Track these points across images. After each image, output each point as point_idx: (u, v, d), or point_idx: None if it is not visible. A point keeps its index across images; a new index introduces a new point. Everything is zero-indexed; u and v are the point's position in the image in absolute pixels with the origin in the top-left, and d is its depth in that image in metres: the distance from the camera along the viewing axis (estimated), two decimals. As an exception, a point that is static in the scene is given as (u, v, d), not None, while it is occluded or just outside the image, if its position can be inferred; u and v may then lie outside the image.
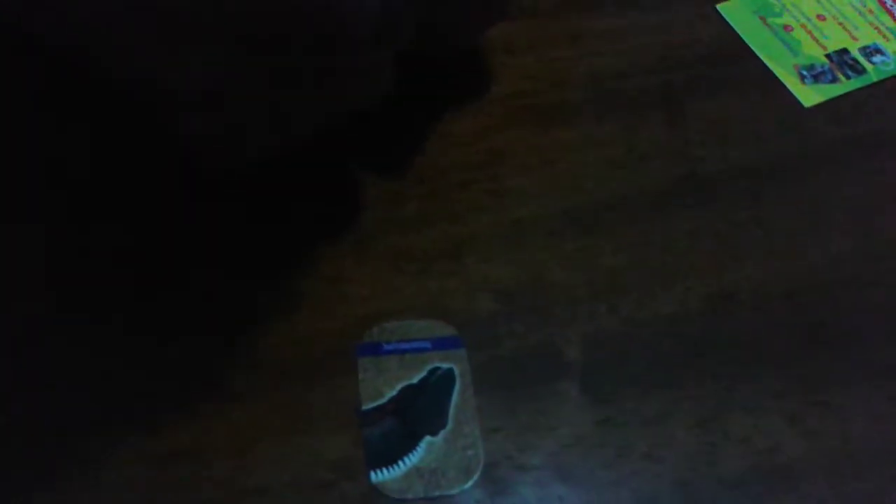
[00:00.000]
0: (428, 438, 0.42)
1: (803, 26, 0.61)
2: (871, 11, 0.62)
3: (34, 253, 0.47)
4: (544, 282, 0.48)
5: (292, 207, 0.49)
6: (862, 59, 0.59)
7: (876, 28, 0.61)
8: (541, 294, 0.47)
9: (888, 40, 0.60)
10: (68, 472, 0.40)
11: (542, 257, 0.49)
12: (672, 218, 0.51)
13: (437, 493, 0.41)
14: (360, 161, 0.52)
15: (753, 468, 0.43)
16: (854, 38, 0.60)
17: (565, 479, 0.42)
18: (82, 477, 0.40)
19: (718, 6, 0.61)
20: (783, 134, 0.55)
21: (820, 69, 0.58)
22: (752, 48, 0.59)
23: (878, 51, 0.60)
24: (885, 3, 0.62)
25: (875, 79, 0.58)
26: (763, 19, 0.61)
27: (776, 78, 0.58)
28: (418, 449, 0.42)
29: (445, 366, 0.44)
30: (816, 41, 0.60)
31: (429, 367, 0.44)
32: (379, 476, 0.41)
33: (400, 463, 0.41)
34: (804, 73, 0.58)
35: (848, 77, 0.58)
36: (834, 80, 0.58)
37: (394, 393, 0.43)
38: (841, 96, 0.57)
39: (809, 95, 0.57)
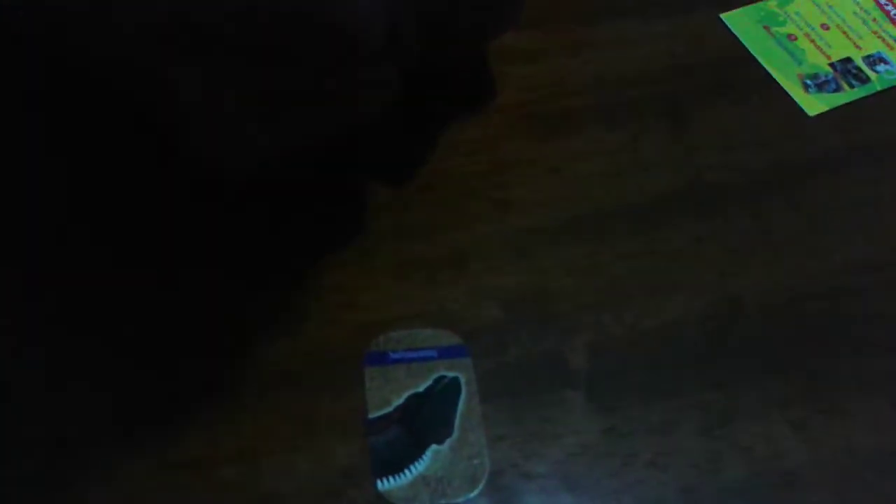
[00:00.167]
0: (434, 447, 0.42)
1: (807, 35, 0.61)
2: (875, 20, 0.62)
3: (36, 253, 0.47)
4: (549, 290, 0.48)
5: (298, 216, 0.50)
6: (866, 68, 0.59)
7: (880, 37, 0.61)
8: (546, 302, 0.48)
9: (892, 49, 0.60)
10: (76, 480, 0.41)
11: (548, 265, 0.49)
12: (677, 226, 0.51)
13: (443, 502, 0.41)
14: (367, 169, 0.52)
15: (758, 476, 0.43)
16: (858, 47, 0.60)
17: (571, 488, 0.42)
18: (91, 485, 0.41)
19: (723, 15, 0.62)
20: (787, 142, 0.55)
21: (824, 78, 0.59)
22: (757, 57, 0.59)
23: (882, 60, 0.60)
24: (890, 12, 0.63)
25: (879, 87, 0.58)
26: (767, 28, 0.61)
27: (780, 87, 0.58)
28: (424, 457, 0.42)
29: (451, 374, 0.44)
30: (820, 50, 0.60)
31: (435, 375, 0.44)
32: (385, 484, 0.41)
33: (406, 471, 0.42)
34: (808, 81, 0.58)
35: (852, 86, 0.58)
36: (838, 88, 0.58)
37: (400, 401, 0.43)
38: (845, 105, 0.57)
39: (813, 104, 0.57)
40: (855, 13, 0.62)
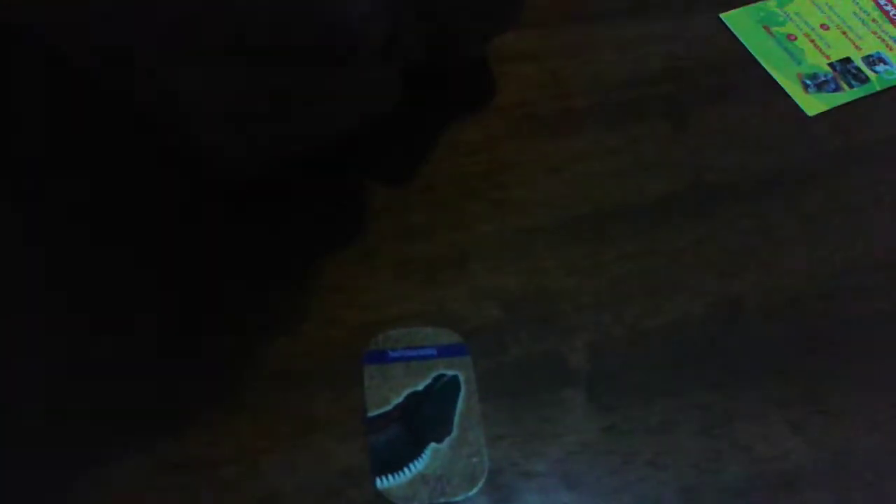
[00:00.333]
0: (433, 445, 0.42)
1: (807, 35, 0.61)
2: (874, 21, 0.62)
3: (38, 253, 0.47)
4: (549, 290, 0.48)
5: (298, 215, 0.50)
6: (865, 69, 0.59)
7: (879, 37, 0.61)
8: (546, 302, 0.48)
9: (891, 49, 0.61)
10: (76, 480, 0.41)
11: (548, 265, 0.49)
12: (677, 226, 0.51)
13: (442, 500, 0.41)
14: (367, 170, 0.52)
15: (758, 476, 0.43)
16: (857, 48, 0.61)
17: (570, 487, 0.42)
18: (91, 484, 0.41)
19: (722, 15, 0.62)
20: (787, 143, 0.55)
21: (823, 78, 0.59)
22: (756, 57, 0.59)
23: (882, 60, 0.60)
24: (889, 12, 0.63)
25: (878, 88, 0.58)
26: (767, 28, 0.61)
27: (780, 87, 0.58)
28: (423, 456, 0.42)
29: (450, 373, 0.44)
30: (820, 50, 0.60)
31: (434, 374, 0.44)
32: (384, 483, 0.41)
33: (405, 470, 0.42)
34: (807, 82, 0.58)
35: (851, 86, 0.58)
36: (837, 89, 0.58)
37: (399, 400, 0.43)
38: (844, 105, 0.57)
39: (813, 104, 0.57)
40: (854, 13, 0.62)
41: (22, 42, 0.51)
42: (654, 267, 0.49)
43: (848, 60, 0.60)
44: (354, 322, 0.46)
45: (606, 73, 0.58)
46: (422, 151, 0.53)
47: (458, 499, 0.41)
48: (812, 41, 0.61)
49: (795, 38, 0.61)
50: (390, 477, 0.41)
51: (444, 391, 0.44)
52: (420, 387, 0.44)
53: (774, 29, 0.61)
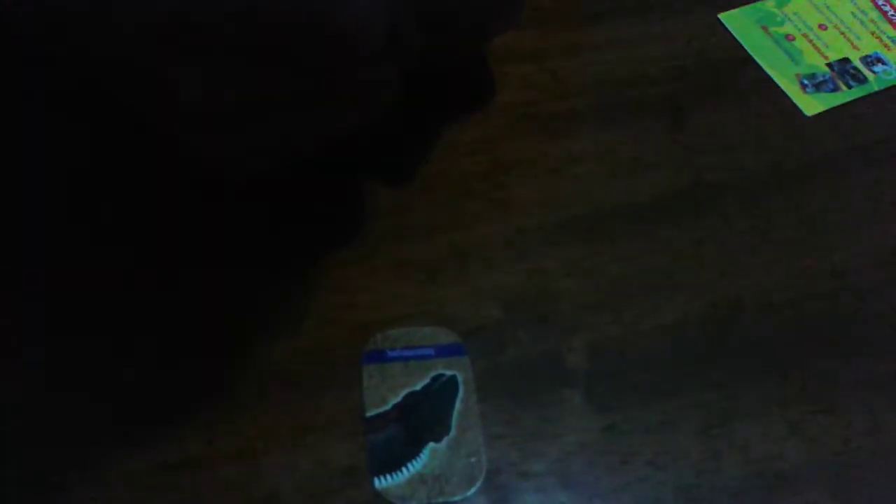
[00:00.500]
0: (431, 445, 0.42)
1: (805, 35, 0.61)
2: (872, 21, 0.62)
3: (38, 253, 0.47)
4: (548, 290, 0.48)
5: (298, 215, 0.50)
6: (863, 69, 0.59)
7: (877, 37, 0.61)
8: (545, 302, 0.48)
9: (889, 49, 0.61)
10: (76, 480, 0.41)
11: (547, 265, 0.49)
12: (675, 226, 0.51)
13: (440, 500, 0.41)
14: (366, 169, 0.52)
15: (757, 475, 0.43)
16: (855, 48, 0.61)
17: (568, 486, 0.42)
18: (91, 485, 0.41)
19: (721, 16, 0.62)
20: (785, 143, 0.55)
21: (821, 78, 0.59)
22: (755, 57, 0.60)
23: (880, 60, 0.60)
24: (887, 13, 0.63)
25: (876, 88, 0.59)
26: (765, 29, 0.61)
27: (778, 87, 0.58)
28: (422, 455, 0.42)
29: (449, 373, 0.45)
30: (818, 50, 0.60)
31: (432, 374, 0.44)
32: (383, 482, 0.41)
33: (404, 469, 0.42)
34: (805, 82, 0.58)
35: (849, 86, 0.58)
36: (835, 89, 0.58)
37: (398, 400, 0.44)
38: (842, 105, 0.58)
39: (811, 104, 0.57)
40: (853, 14, 0.63)
41: (17, 42, 0.51)
42: (653, 267, 0.49)
43: (846, 61, 0.60)
44: (353, 322, 0.46)
45: (606, 73, 0.58)
46: (421, 151, 0.53)
47: (456, 499, 0.41)
48: (810, 41, 0.61)
49: (794, 39, 0.61)
50: (388, 477, 0.41)
51: (443, 391, 0.44)
52: (418, 387, 0.44)
53: (773, 29, 0.61)
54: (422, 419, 0.43)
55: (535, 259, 0.49)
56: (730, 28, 0.61)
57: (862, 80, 0.59)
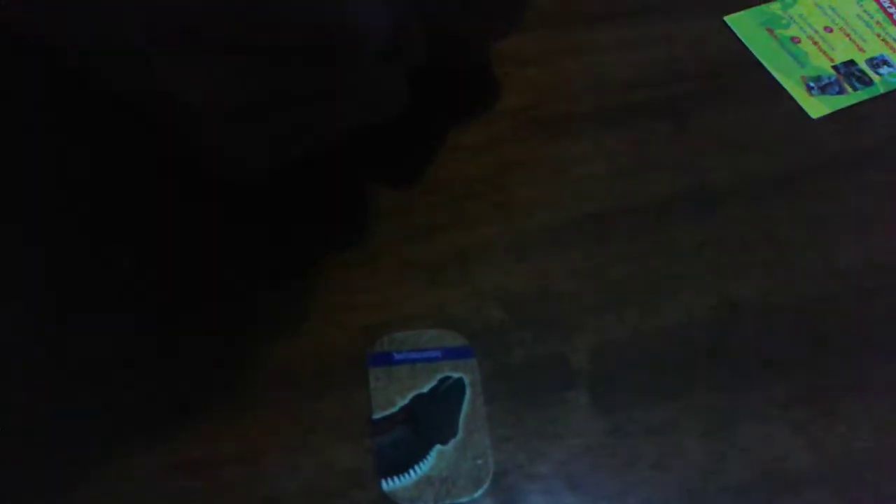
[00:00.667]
0: (438, 447, 0.42)
1: (811, 38, 0.61)
2: (878, 23, 0.62)
3: (38, 253, 0.47)
4: (553, 291, 0.48)
5: (301, 216, 0.50)
6: (869, 71, 0.59)
7: (883, 40, 0.61)
8: (549, 304, 0.48)
9: (895, 52, 0.61)
10: (76, 481, 0.41)
11: (551, 267, 0.49)
12: (679, 228, 0.51)
13: (447, 502, 0.41)
14: (371, 171, 0.52)
15: (760, 477, 0.43)
16: (861, 50, 0.61)
17: (574, 488, 0.42)
18: (91, 486, 0.41)
19: (726, 18, 0.62)
20: (790, 145, 0.55)
21: (827, 80, 0.59)
22: (760, 60, 0.60)
23: (886, 62, 0.60)
24: (893, 15, 0.63)
25: (882, 90, 0.59)
26: (771, 31, 0.61)
27: (783, 89, 0.58)
28: (429, 458, 0.42)
29: (456, 375, 0.45)
30: (824, 53, 0.60)
31: (439, 376, 0.44)
32: (390, 484, 0.41)
33: (411, 471, 0.42)
34: (811, 84, 0.58)
35: (855, 88, 0.59)
36: (841, 91, 0.58)
37: (405, 402, 0.44)
38: (848, 108, 0.58)
39: (816, 107, 0.57)
40: (858, 16, 0.63)
41: (20, 43, 0.51)
42: (656, 268, 0.50)
43: (852, 63, 0.60)
44: (357, 324, 0.46)
45: (609, 75, 0.58)
46: (425, 153, 0.53)
47: (463, 500, 0.41)
48: (816, 44, 0.61)
49: (799, 41, 0.61)
50: (396, 479, 0.41)
51: (450, 393, 0.44)
52: (425, 389, 0.44)
53: (778, 31, 0.61)
54: (429, 421, 0.43)
55: (537, 260, 0.49)
56: (735, 30, 0.61)
57: (868, 82, 0.59)
